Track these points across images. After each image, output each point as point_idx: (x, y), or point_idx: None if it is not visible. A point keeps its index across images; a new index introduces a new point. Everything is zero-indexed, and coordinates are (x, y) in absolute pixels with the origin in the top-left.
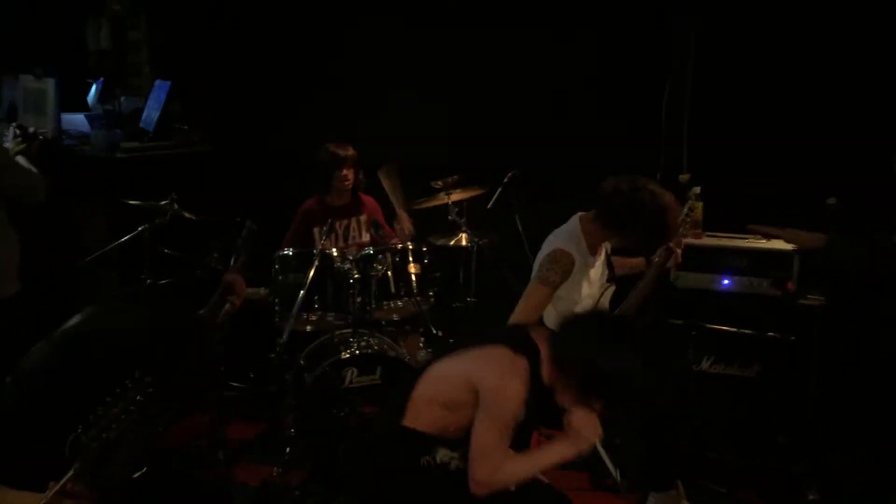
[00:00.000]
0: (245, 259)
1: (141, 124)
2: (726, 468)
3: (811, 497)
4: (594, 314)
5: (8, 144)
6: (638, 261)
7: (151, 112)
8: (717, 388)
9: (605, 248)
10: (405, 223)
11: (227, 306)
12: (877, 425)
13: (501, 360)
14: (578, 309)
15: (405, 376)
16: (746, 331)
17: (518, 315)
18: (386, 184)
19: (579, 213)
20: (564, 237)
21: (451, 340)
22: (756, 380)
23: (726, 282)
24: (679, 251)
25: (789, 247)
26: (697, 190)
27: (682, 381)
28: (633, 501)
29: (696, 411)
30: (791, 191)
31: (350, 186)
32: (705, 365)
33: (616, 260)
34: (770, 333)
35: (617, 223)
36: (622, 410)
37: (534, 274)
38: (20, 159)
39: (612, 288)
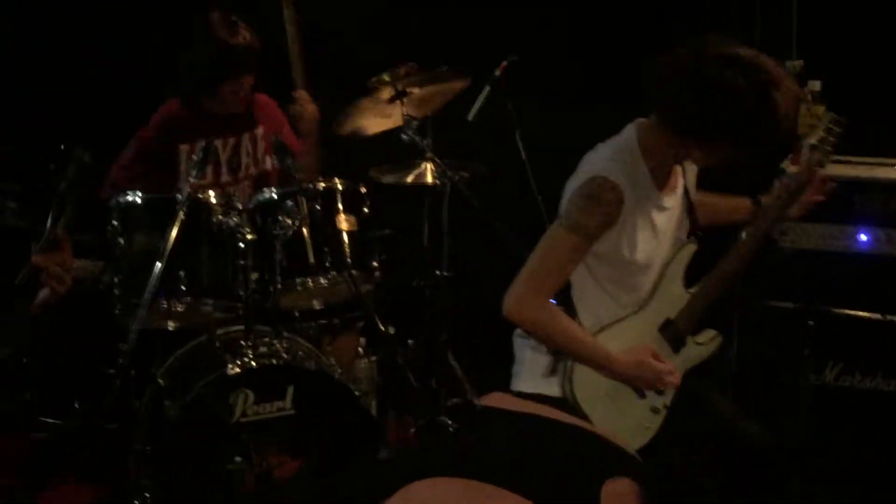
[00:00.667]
0: (72, 214)
1: None
2: None
3: None
4: None
5: None
6: (741, 202)
7: None
8: (849, 410)
9: (687, 177)
10: (303, 103)
11: (45, 293)
12: None
13: None
14: (638, 279)
15: (333, 406)
16: None
17: (527, 283)
18: (291, 32)
19: (637, 120)
20: (611, 156)
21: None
22: None
23: (864, 237)
24: (814, 191)
25: None
26: (817, 86)
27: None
28: None
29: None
30: None
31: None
32: (830, 375)
33: (703, 199)
34: None
35: (691, 122)
36: None
37: (560, 214)
38: None
39: (694, 247)
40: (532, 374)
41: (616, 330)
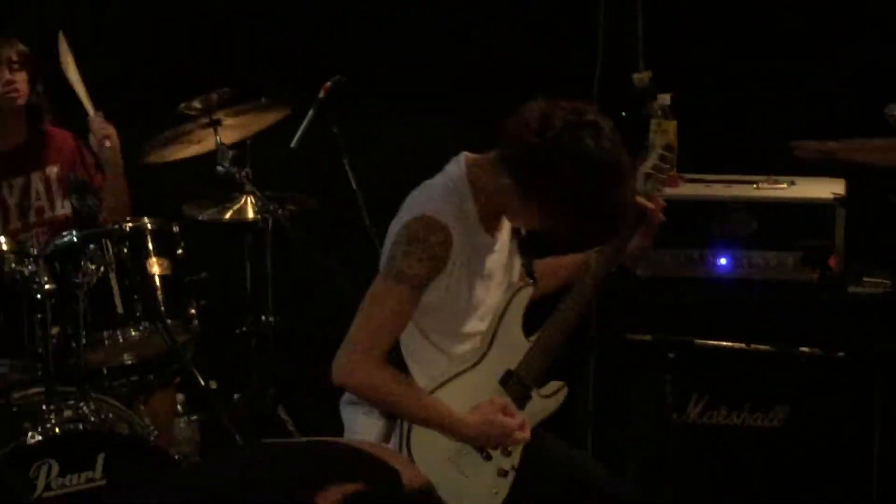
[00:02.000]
0: None
1: None
2: None
3: None
4: None
5: None
6: (578, 258)
7: None
8: (717, 447)
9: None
10: (100, 129)
11: None
12: None
13: None
14: (468, 328)
15: (158, 469)
16: (762, 347)
17: (355, 346)
18: (66, 61)
19: (463, 154)
20: (438, 194)
21: None
22: (781, 432)
23: (723, 261)
24: (655, 219)
25: (826, 195)
26: (667, 99)
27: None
28: None
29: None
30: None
31: (18, 105)
32: (694, 412)
33: (541, 267)
34: (803, 350)
35: (532, 187)
36: None
37: (382, 262)
38: None
39: (530, 290)
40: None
41: (453, 387)
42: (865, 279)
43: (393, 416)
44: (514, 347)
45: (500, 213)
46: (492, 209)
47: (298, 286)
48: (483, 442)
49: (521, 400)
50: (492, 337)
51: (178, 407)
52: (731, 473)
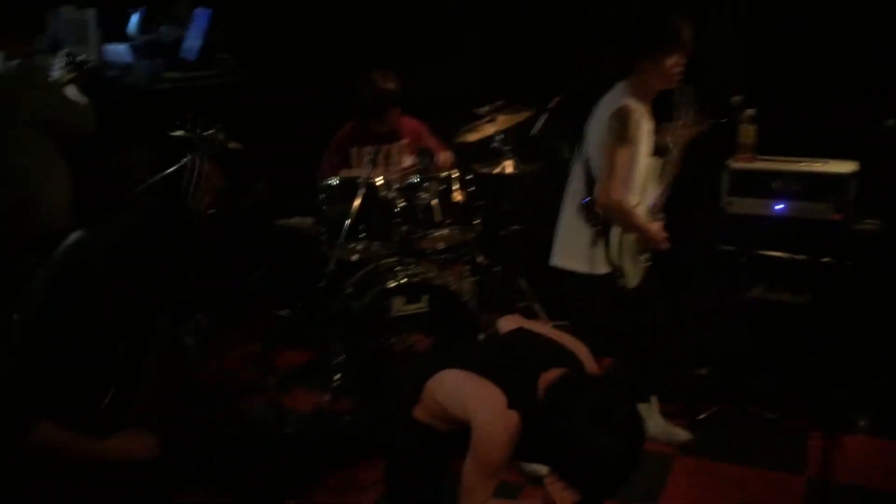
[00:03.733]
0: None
1: (181, 54)
2: (777, 395)
3: (861, 423)
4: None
5: (56, 74)
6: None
7: (193, 41)
8: (769, 315)
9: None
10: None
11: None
12: None
13: (496, 403)
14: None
15: (450, 306)
16: (799, 257)
17: (610, 182)
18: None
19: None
20: (618, 97)
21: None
22: (808, 306)
23: (779, 206)
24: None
25: (846, 169)
26: (751, 112)
27: (732, 308)
28: None
29: (746, 339)
30: (848, 112)
31: (392, 122)
32: (756, 292)
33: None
34: (824, 259)
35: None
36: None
37: (606, 141)
38: (70, 89)
39: (661, 161)
40: (578, 249)
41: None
42: (865, 220)
43: (605, 230)
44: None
45: (649, 103)
46: (645, 101)
47: (532, 211)
48: (651, 243)
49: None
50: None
51: (466, 273)
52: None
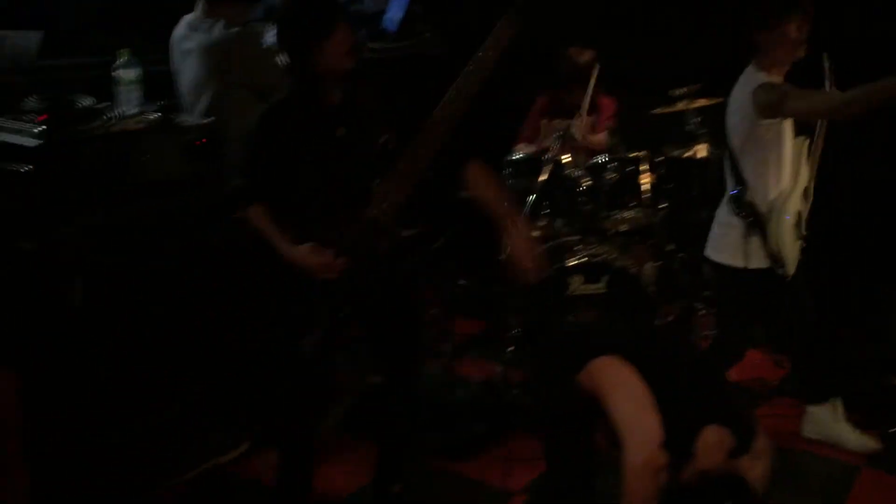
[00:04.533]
0: None
1: (383, 24)
2: None
3: None
4: None
5: (269, 41)
6: None
7: (395, 12)
8: None
9: None
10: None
11: None
12: None
13: (650, 440)
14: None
15: (629, 289)
16: None
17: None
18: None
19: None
20: (752, 78)
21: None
22: None
23: None
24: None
25: None
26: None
27: None
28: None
29: None
30: None
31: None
32: None
33: None
34: None
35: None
36: None
37: (757, 112)
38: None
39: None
40: (729, 243)
41: None
42: None
43: (757, 221)
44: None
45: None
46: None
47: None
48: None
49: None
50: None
51: (648, 257)
52: None
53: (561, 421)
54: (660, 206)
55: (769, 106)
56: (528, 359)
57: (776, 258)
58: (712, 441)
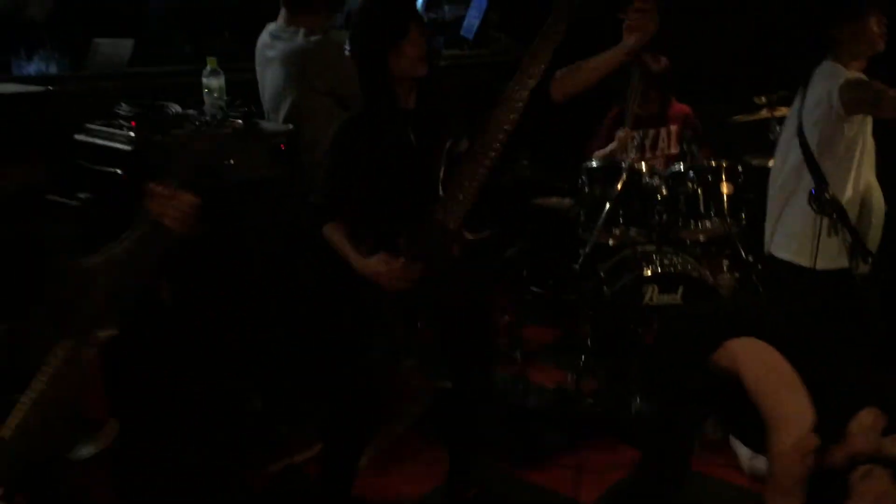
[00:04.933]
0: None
1: (461, 32)
2: None
3: None
4: None
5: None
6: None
7: (472, 20)
8: None
9: None
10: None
11: None
12: None
13: (803, 425)
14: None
15: (707, 299)
16: None
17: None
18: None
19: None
20: (833, 75)
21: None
22: None
23: None
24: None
25: None
26: None
27: None
28: None
29: None
30: None
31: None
32: None
33: None
34: None
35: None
36: None
37: (842, 107)
38: None
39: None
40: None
41: None
42: None
43: (842, 216)
44: None
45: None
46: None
47: None
48: None
49: None
50: None
51: (725, 268)
52: None
53: (678, 402)
54: (739, 217)
55: (863, 102)
56: (602, 368)
57: (864, 253)
58: (867, 424)
